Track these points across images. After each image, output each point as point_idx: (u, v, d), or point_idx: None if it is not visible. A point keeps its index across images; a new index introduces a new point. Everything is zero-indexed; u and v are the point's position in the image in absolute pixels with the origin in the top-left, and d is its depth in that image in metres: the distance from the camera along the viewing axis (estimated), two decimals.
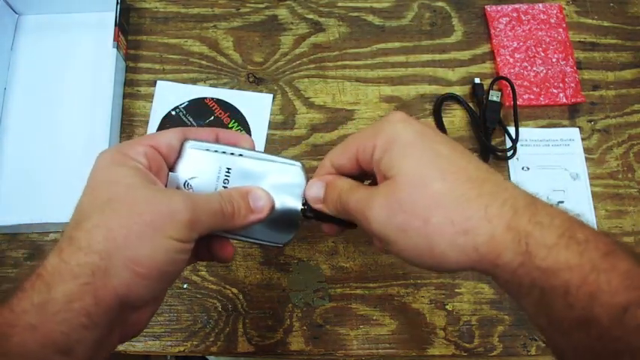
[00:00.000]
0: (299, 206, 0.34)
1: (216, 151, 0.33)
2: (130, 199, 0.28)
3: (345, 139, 0.34)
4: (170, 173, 0.32)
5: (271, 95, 0.58)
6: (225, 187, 0.33)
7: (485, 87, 0.57)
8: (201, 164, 0.33)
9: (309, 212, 0.35)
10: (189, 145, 0.33)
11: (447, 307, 0.51)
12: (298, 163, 0.34)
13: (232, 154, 0.33)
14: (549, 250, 0.25)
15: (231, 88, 0.58)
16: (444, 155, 0.29)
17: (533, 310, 0.26)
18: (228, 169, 0.33)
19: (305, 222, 0.35)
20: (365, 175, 0.34)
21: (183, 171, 0.33)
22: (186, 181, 0.33)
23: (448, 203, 0.27)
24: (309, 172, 0.35)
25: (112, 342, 0.29)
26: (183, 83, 0.58)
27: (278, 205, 0.34)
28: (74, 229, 0.27)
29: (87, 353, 0.26)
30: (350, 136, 0.33)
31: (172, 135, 0.33)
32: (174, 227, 0.28)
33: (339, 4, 0.62)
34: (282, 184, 0.34)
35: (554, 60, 0.59)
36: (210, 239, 0.34)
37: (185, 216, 0.28)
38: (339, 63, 0.59)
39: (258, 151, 0.34)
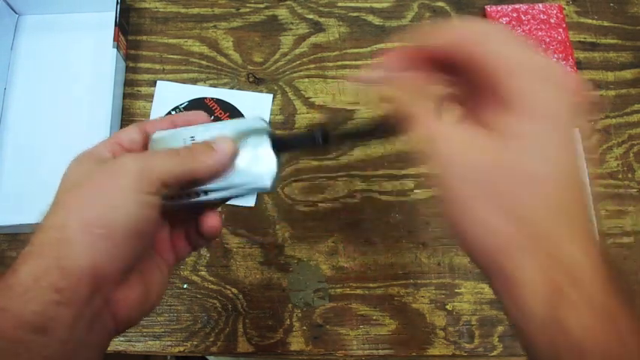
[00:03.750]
0: (268, 143, 0.32)
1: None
2: (84, 174, 0.29)
3: None
4: None
5: (271, 95, 0.58)
6: None
7: None
8: (168, 143, 0.33)
9: (276, 139, 0.32)
10: (155, 135, 0.33)
11: (447, 307, 0.51)
12: (257, 117, 0.33)
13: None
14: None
15: (231, 88, 0.58)
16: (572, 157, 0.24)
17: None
18: (192, 137, 0.33)
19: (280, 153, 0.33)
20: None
21: None
22: None
23: (551, 216, 0.23)
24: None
25: (103, 325, 0.28)
26: (183, 83, 0.58)
27: (248, 149, 0.32)
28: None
29: (66, 331, 0.25)
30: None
31: (132, 129, 0.33)
32: (124, 178, 0.27)
33: (339, 4, 0.62)
34: (245, 130, 0.33)
35: (554, 60, 0.59)
36: (198, 214, 0.33)
37: (133, 166, 0.28)
38: (339, 63, 0.59)
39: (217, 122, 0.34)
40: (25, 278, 0.25)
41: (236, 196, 0.32)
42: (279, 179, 0.33)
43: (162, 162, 0.29)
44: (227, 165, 0.31)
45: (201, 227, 0.33)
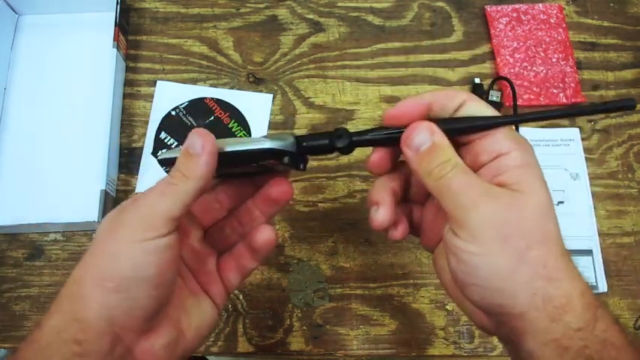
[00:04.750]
0: (291, 137, 0.31)
1: None
2: (103, 227, 0.29)
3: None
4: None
5: (271, 95, 0.58)
6: None
7: (485, 87, 0.57)
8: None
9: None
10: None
11: (447, 307, 0.51)
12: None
13: None
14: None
15: (231, 88, 0.58)
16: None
17: None
18: None
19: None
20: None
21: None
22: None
23: (553, 245, 0.26)
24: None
25: None
26: (183, 83, 0.58)
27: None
28: None
29: None
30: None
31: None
32: (125, 229, 0.28)
33: (339, 4, 0.62)
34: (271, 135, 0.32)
35: (554, 60, 0.59)
36: (264, 181, 0.33)
37: (132, 216, 0.28)
38: (339, 63, 0.59)
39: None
40: (48, 332, 0.26)
41: (255, 159, 0.30)
42: (301, 167, 0.32)
43: (161, 201, 0.28)
44: (215, 154, 0.29)
45: (255, 243, 0.33)
